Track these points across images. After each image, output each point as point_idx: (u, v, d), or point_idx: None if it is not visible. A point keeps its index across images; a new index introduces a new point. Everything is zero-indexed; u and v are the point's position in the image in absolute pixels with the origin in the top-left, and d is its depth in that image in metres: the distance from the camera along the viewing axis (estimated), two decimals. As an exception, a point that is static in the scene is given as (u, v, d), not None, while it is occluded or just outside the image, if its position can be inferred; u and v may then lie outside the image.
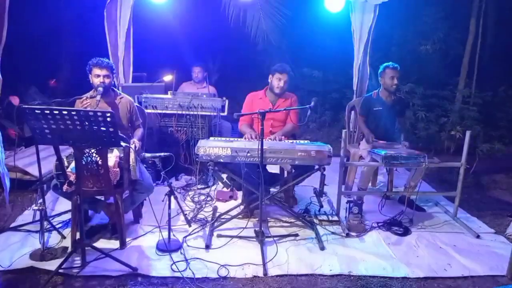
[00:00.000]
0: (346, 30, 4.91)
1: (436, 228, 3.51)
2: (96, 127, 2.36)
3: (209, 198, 4.01)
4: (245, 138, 3.53)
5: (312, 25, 6.34)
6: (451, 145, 6.03)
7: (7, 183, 3.34)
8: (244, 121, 3.80)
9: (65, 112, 2.29)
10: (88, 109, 3.05)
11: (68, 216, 3.34)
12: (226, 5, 5.25)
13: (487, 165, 5.19)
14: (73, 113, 2.31)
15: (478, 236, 3.35)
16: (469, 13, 6.18)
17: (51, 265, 2.65)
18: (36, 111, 2.28)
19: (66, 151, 3.09)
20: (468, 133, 3.55)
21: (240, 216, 3.46)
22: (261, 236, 2.99)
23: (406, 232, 3.38)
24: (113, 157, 2.89)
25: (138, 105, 3.96)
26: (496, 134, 5.91)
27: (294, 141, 3.44)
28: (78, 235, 2.74)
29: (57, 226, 3.20)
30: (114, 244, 2.99)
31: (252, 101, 3.83)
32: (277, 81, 3.71)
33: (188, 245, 3.05)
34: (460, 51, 6.41)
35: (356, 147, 4.16)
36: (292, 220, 3.54)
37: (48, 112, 2.28)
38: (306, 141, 3.44)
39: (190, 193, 4.14)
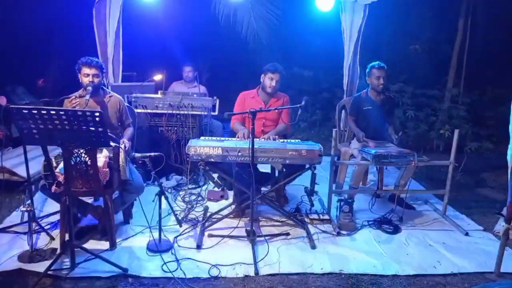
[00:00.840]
0: (336, 30, 4.94)
1: (425, 226, 3.54)
2: (85, 127, 2.34)
3: (200, 198, 3.99)
4: (238, 137, 3.52)
5: (303, 24, 6.36)
6: (440, 143, 6.10)
7: (-6, 184, 3.29)
8: (236, 119, 3.79)
9: (53, 112, 2.26)
10: (77, 108, 3.02)
11: (56, 217, 3.30)
12: (216, 5, 5.24)
13: (476, 163, 5.26)
14: (61, 113, 2.28)
15: (467, 234, 3.39)
16: (457, 13, 6.26)
17: (40, 267, 2.62)
18: (24, 111, 2.24)
19: (55, 151, 3.05)
20: (456, 132, 3.59)
21: (231, 215, 3.45)
22: (252, 236, 2.99)
23: (396, 230, 3.41)
24: (102, 157, 2.86)
25: (128, 104, 3.92)
26: (484, 133, 6.00)
27: (285, 140, 3.45)
28: (67, 236, 2.71)
29: (45, 227, 3.15)
30: (104, 245, 2.96)
31: (245, 100, 3.82)
32: (269, 80, 3.71)
33: (179, 245, 3.03)
34: (448, 51, 6.49)
35: (346, 146, 4.18)
36: (283, 219, 3.55)
37: (35, 112, 2.24)
38: (297, 141, 3.45)
39: (181, 193, 4.12)
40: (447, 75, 6.49)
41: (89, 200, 3.17)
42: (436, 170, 4.97)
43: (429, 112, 6.29)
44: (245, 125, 3.77)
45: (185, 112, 4.32)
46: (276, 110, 3.67)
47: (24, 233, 2.99)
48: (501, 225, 3.35)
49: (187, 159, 3.18)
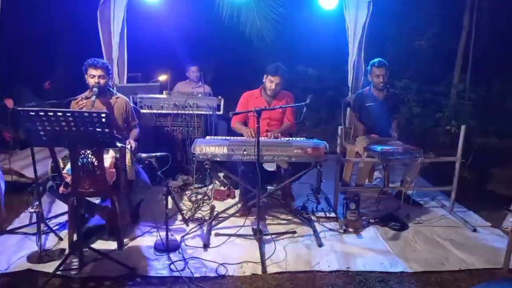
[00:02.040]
0: (341, 27, 4.92)
1: (433, 223, 3.53)
2: (91, 128, 2.35)
3: (206, 197, 4.00)
4: (248, 136, 3.50)
5: (307, 22, 6.33)
6: (447, 140, 6.05)
7: (3, 186, 3.32)
8: (238, 119, 3.78)
9: (59, 114, 2.28)
10: (84, 110, 3.04)
11: (65, 217, 3.33)
12: (220, 4, 5.24)
13: (483, 159, 5.21)
14: (68, 114, 2.30)
15: (474, 230, 3.37)
16: (462, 8, 6.20)
17: (49, 267, 2.64)
18: (31, 113, 2.26)
19: (62, 152, 3.07)
20: (463, 128, 3.57)
21: (237, 214, 3.46)
22: (259, 234, 3.00)
23: (403, 227, 3.39)
24: (109, 158, 2.88)
25: (134, 105, 3.94)
26: (491, 128, 5.95)
27: (291, 138, 3.44)
28: (75, 237, 2.73)
29: (54, 228, 3.19)
30: (112, 245, 2.97)
31: (248, 100, 3.81)
32: (269, 83, 3.68)
33: (186, 245, 3.05)
34: (454, 46, 6.42)
35: (352, 144, 4.16)
36: (290, 218, 3.55)
37: (42, 114, 2.26)
38: (302, 139, 3.45)
39: (187, 192, 4.14)
40: (453, 70, 6.43)
41: (96, 200, 3.19)
42: (443, 166, 4.91)
43: (435, 108, 6.24)
44: (249, 125, 3.77)
45: (190, 112, 4.33)
46: (280, 110, 3.66)
47: (33, 234, 3.01)
48: (509, 221, 3.33)
49: (193, 158, 3.19)
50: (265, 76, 3.74)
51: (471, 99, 6.13)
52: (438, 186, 4.25)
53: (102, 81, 3.25)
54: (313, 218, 3.54)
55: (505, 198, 4.06)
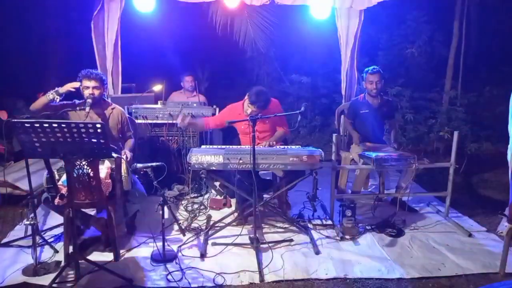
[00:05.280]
0: (333, 36, 4.98)
1: (428, 228, 3.54)
2: (86, 139, 2.35)
3: (202, 207, 4.00)
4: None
5: (300, 32, 6.41)
6: (440, 146, 6.11)
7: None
8: (213, 120, 3.82)
9: (55, 125, 2.28)
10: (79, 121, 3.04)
11: (60, 229, 3.31)
12: (213, 14, 5.29)
13: (476, 164, 5.27)
14: (63, 125, 2.29)
15: (470, 235, 3.39)
16: (452, 16, 6.31)
17: (45, 280, 2.62)
18: (26, 124, 2.26)
19: (57, 164, 3.06)
20: (456, 134, 3.61)
21: (234, 223, 3.45)
22: (256, 243, 2.99)
23: (399, 233, 3.41)
24: (104, 168, 2.87)
25: (129, 115, 3.94)
26: (483, 134, 6.01)
27: (286, 146, 3.46)
28: (71, 249, 2.71)
29: (49, 240, 3.16)
30: (108, 256, 2.95)
31: (230, 114, 3.72)
32: (247, 106, 3.56)
33: (183, 255, 3.03)
34: (445, 53, 6.52)
35: (347, 151, 4.19)
36: (286, 226, 3.55)
37: (37, 125, 2.26)
38: (297, 147, 3.46)
39: (183, 202, 4.13)
40: (445, 77, 6.51)
41: (92, 212, 3.18)
42: (437, 172, 4.97)
43: (427, 114, 6.31)
44: (241, 139, 3.77)
45: (186, 122, 4.33)
46: (267, 121, 3.63)
47: (28, 247, 2.98)
48: (504, 225, 3.35)
49: (189, 168, 3.19)
50: (247, 96, 3.57)
51: (463, 105, 6.20)
52: (433, 192, 4.28)
53: (96, 92, 3.25)
54: (309, 225, 3.54)
55: (500, 202, 4.09)
